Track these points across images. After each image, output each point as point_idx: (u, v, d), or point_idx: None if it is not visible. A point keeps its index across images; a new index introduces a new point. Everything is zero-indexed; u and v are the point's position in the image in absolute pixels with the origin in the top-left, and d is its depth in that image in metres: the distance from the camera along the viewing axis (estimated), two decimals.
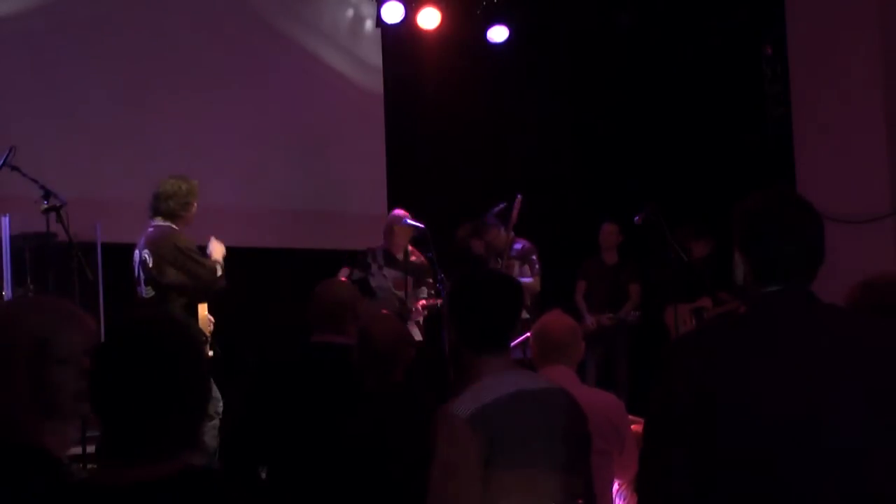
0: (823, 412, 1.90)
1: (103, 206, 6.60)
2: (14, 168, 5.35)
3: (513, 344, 2.88)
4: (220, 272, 5.43)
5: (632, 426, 3.56)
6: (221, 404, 5.45)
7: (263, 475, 3.65)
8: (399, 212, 6.77)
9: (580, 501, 2.65)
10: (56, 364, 1.97)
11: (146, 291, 5.42)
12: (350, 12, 8.70)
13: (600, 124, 8.94)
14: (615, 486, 3.59)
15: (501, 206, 7.04)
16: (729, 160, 8.17)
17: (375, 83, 8.75)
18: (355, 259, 6.76)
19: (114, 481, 1.70)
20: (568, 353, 3.51)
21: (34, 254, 5.79)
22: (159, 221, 5.44)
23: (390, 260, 6.73)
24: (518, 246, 7.04)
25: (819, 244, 2.05)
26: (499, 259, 6.92)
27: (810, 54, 5.82)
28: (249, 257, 5.92)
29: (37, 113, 6.70)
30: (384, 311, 4.06)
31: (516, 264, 6.91)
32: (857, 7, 5.61)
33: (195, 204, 5.49)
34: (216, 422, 5.37)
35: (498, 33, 8.60)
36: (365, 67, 8.69)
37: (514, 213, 6.80)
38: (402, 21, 8.40)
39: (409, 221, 6.65)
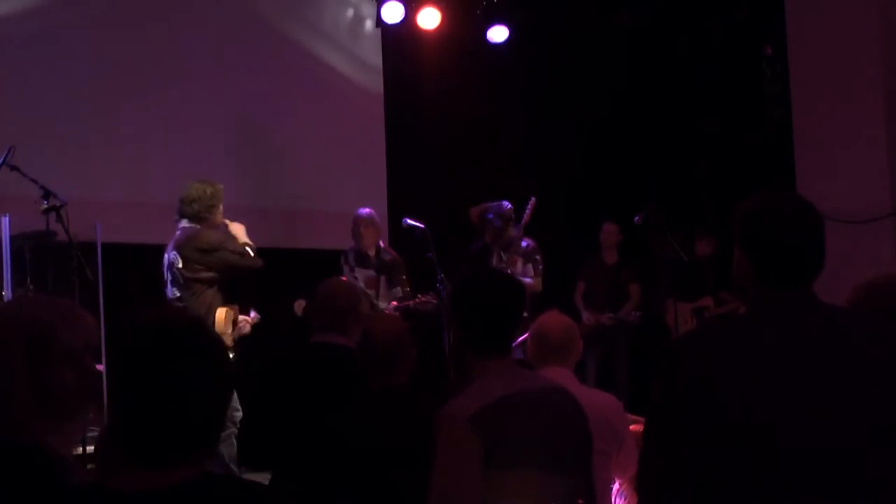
0: (824, 412, 1.90)
1: (103, 206, 6.61)
2: (13, 168, 5.35)
3: (513, 344, 2.88)
4: (251, 253, 5.54)
5: (632, 426, 3.55)
6: (240, 414, 5.42)
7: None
8: (362, 210, 6.76)
9: (580, 502, 2.65)
10: (56, 361, 1.92)
11: (172, 292, 5.52)
12: (350, 12, 8.70)
13: (600, 124, 8.94)
14: (616, 486, 3.58)
15: (508, 206, 7.05)
16: (729, 160, 8.18)
17: (375, 83, 8.74)
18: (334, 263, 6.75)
19: (129, 486, 1.63)
20: (565, 354, 3.50)
21: (34, 254, 5.79)
22: (185, 224, 5.54)
23: (361, 259, 6.71)
24: (524, 244, 7.04)
25: (820, 245, 2.05)
26: (503, 253, 6.91)
27: (810, 54, 5.81)
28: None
29: (36, 113, 6.70)
30: (387, 312, 4.05)
31: (519, 261, 6.91)
32: (858, 7, 5.61)
33: (220, 207, 5.59)
34: (234, 430, 5.36)
35: (498, 33, 8.59)
36: (365, 67, 8.69)
37: (528, 213, 6.82)
38: (402, 21, 8.40)
39: (409, 221, 6.65)
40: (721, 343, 2.00)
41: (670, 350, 2.11)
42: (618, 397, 3.89)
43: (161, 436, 1.63)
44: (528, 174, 8.38)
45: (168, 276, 5.54)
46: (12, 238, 5.65)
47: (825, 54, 5.71)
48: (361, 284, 6.62)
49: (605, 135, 8.92)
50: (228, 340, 5.43)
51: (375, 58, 8.77)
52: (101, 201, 6.71)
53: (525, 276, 6.76)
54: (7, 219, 5.64)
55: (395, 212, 7.86)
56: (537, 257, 7.03)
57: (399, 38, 8.68)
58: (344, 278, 6.37)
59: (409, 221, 6.65)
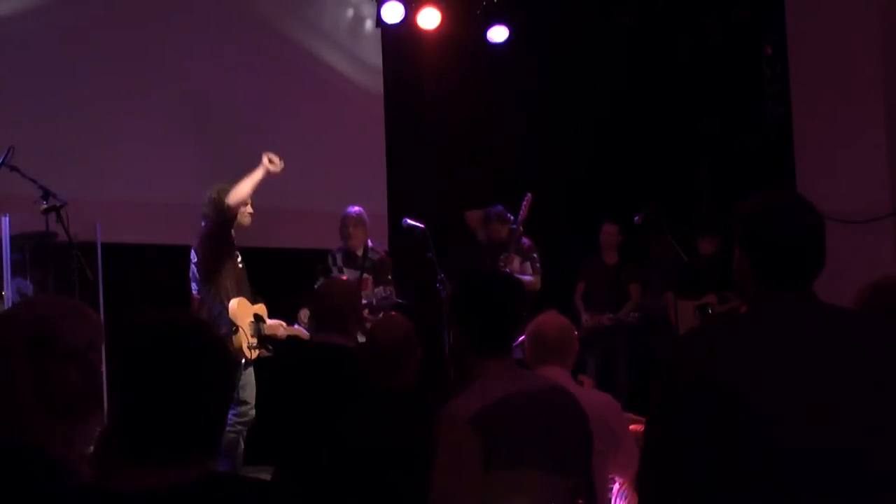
0: (824, 412, 1.90)
1: (103, 206, 6.60)
2: (13, 168, 5.35)
3: (514, 344, 2.88)
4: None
5: (632, 426, 3.55)
6: (253, 411, 5.40)
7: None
8: (351, 209, 6.75)
9: (580, 502, 2.65)
10: (60, 360, 1.90)
11: (194, 288, 5.72)
12: (350, 12, 8.69)
13: (600, 124, 8.94)
14: (616, 486, 3.58)
15: (501, 208, 7.06)
16: (729, 160, 8.18)
17: (375, 83, 8.74)
18: (317, 264, 6.73)
19: (129, 486, 1.61)
20: (562, 354, 3.49)
21: (34, 254, 5.79)
22: (203, 224, 5.69)
23: (349, 259, 6.68)
24: (524, 242, 7.05)
25: (820, 245, 2.04)
26: (501, 252, 6.92)
27: (810, 54, 5.81)
28: (249, 257, 5.92)
29: (36, 113, 6.69)
30: (392, 313, 4.05)
31: (517, 259, 6.92)
32: (858, 7, 5.61)
33: (238, 208, 5.67)
34: (243, 429, 5.36)
35: (498, 33, 8.59)
36: (365, 67, 8.68)
37: (525, 210, 6.82)
38: (402, 21, 8.39)
39: (409, 221, 6.65)
40: (721, 343, 1.99)
41: (670, 350, 2.11)
42: (617, 398, 3.88)
43: (161, 436, 1.63)
44: (528, 174, 8.38)
45: (194, 275, 5.74)
46: (12, 238, 5.65)
47: (825, 54, 5.71)
48: None
49: (605, 135, 8.92)
50: (247, 329, 5.47)
51: (375, 58, 8.76)
52: (101, 201, 6.70)
53: (523, 273, 6.77)
54: (7, 219, 5.63)
55: (395, 212, 7.86)
56: (535, 255, 7.04)
57: (399, 38, 8.68)
58: (345, 278, 6.37)
59: (409, 221, 6.65)
